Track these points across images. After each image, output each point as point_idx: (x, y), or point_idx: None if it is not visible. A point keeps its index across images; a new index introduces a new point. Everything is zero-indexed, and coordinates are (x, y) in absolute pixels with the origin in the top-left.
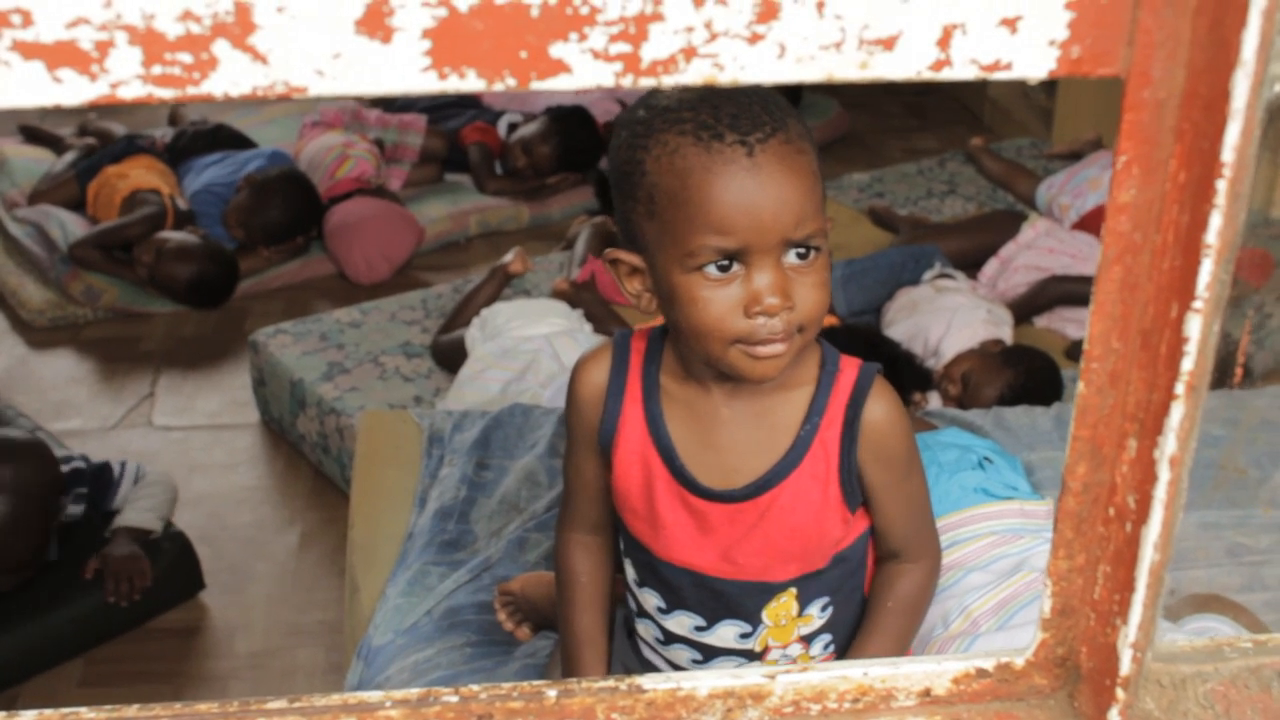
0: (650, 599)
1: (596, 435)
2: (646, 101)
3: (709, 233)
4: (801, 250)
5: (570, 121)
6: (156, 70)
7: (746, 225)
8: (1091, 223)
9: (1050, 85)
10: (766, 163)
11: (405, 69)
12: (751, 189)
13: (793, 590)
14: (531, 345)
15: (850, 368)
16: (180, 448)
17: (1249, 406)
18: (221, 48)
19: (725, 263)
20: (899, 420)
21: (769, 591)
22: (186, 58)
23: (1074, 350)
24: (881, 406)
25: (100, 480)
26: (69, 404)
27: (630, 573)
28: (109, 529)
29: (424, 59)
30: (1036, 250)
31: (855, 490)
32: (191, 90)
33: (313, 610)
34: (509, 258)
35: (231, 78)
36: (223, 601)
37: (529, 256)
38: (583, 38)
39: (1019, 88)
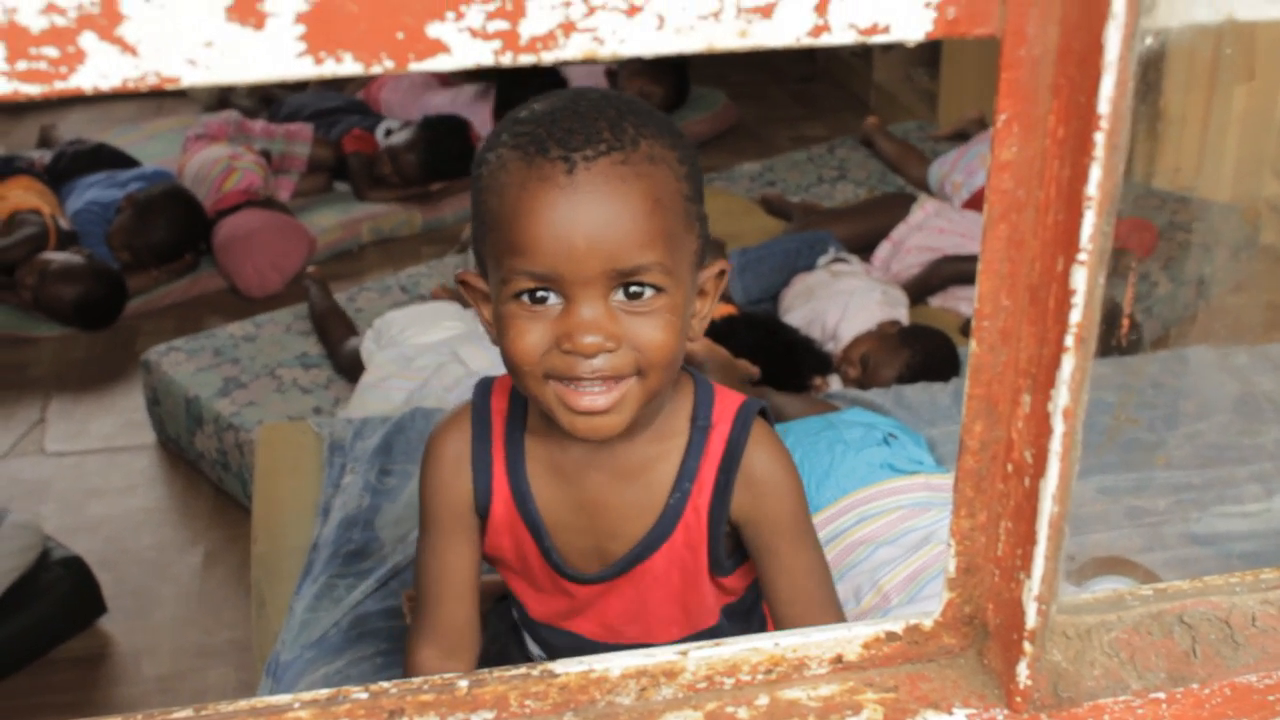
0: (532, 647)
1: (469, 510)
2: (514, 111)
3: (518, 255)
4: (634, 288)
5: (438, 130)
6: (21, 66)
7: (556, 250)
8: (981, 201)
9: (934, 66)
10: (588, 182)
11: (280, 55)
12: (564, 209)
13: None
14: (435, 356)
15: (724, 420)
16: (75, 473)
17: (1141, 372)
18: (89, 40)
19: (542, 293)
20: (783, 474)
21: None
22: (52, 52)
23: (968, 328)
24: (762, 458)
25: None
26: None
27: (514, 613)
28: None
29: (299, 44)
30: (927, 231)
31: (721, 560)
32: (60, 85)
33: (220, 630)
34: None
35: (100, 70)
36: (127, 627)
37: (427, 260)
38: (460, 16)
39: (903, 71)
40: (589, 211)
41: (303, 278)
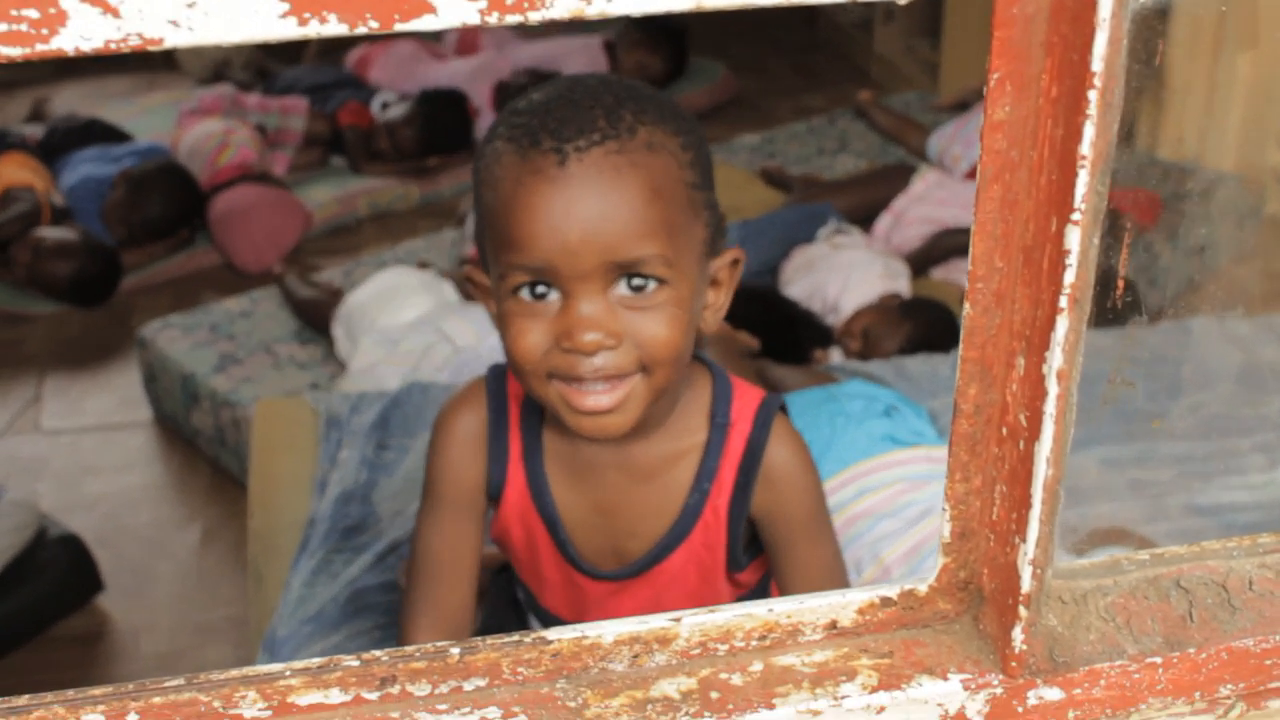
0: (537, 626)
1: (481, 491)
2: (513, 101)
3: (513, 249)
4: (637, 281)
5: (436, 104)
6: (2, 28)
7: (551, 243)
8: None
9: (935, 37)
10: (581, 173)
11: (263, 15)
12: (557, 202)
13: None
14: (420, 337)
15: (744, 418)
16: (71, 450)
17: (1143, 343)
18: (69, 1)
19: (541, 289)
20: (803, 472)
21: None
22: (33, 13)
23: None
24: (783, 456)
25: None
26: None
27: (519, 593)
28: None
29: (282, 4)
30: (928, 202)
31: (739, 557)
32: (41, 47)
33: (218, 607)
34: (278, 268)
35: (81, 32)
36: (125, 604)
37: (424, 234)
38: None
39: (904, 42)
40: (582, 203)
41: (274, 280)
